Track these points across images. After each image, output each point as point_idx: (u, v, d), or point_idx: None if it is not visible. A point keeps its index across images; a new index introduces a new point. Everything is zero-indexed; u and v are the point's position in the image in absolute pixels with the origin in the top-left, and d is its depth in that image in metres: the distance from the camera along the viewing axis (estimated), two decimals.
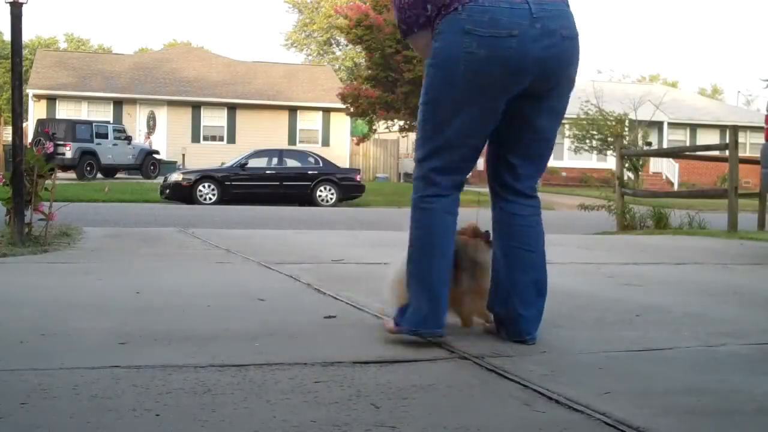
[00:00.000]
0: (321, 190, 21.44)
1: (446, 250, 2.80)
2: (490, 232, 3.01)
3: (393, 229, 9.12)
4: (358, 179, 22.65)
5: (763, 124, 8.89)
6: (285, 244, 6.65)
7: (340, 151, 34.75)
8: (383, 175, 37.29)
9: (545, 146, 2.94)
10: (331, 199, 21.43)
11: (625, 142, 27.43)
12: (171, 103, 34.23)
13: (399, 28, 2.84)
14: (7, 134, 29.14)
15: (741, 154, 12.15)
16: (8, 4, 5.92)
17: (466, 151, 2.81)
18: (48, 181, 6.35)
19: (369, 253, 5.79)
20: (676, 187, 33.27)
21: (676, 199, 14.73)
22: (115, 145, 28.34)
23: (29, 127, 29.12)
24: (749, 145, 35.22)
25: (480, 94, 2.69)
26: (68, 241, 6.28)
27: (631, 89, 38.04)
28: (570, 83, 2.84)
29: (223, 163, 23.37)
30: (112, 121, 31.23)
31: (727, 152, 10.17)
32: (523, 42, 2.64)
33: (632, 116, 31.72)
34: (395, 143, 38.37)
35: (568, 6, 2.78)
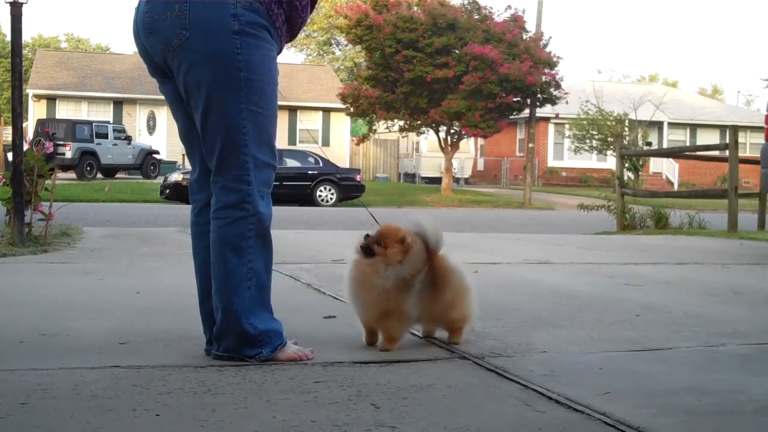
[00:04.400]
0: (321, 190, 21.45)
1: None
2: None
3: None
4: (358, 179, 22.66)
5: (763, 124, 8.89)
6: (285, 244, 6.64)
7: (340, 151, 34.77)
8: (383, 175, 37.29)
9: (200, 125, 2.59)
10: (331, 199, 21.43)
11: (625, 142, 27.46)
12: None
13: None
14: (7, 134, 29.14)
15: (741, 154, 12.15)
16: (8, 4, 5.92)
17: None
18: (48, 181, 6.35)
19: None
20: (676, 187, 33.24)
21: (676, 199, 14.73)
22: (115, 145, 28.34)
23: (29, 127, 29.12)
24: (749, 145, 35.21)
25: None
26: (68, 241, 6.28)
27: (631, 89, 38.03)
28: (174, 52, 2.50)
29: None
30: (112, 121, 31.23)
31: (727, 152, 10.18)
32: (134, 12, 2.64)
33: (632, 116, 31.72)
34: (395, 143, 38.37)
35: None
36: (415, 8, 25.90)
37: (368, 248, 2.66)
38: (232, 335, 2.51)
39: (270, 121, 2.57)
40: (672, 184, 34.17)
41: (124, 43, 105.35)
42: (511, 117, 27.74)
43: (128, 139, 29.19)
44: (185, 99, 2.57)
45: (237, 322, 2.50)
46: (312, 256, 5.76)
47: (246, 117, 2.50)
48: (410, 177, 36.86)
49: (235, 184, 2.51)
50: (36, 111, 32.85)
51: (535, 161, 31.04)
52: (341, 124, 36.17)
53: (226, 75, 2.46)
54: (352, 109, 26.79)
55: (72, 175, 26.89)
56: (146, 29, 2.53)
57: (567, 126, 33.40)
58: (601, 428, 1.98)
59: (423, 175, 35.00)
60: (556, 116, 30.27)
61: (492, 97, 24.11)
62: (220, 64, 2.46)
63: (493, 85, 23.80)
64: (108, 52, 56.91)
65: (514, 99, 25.13)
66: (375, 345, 2.77)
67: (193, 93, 2.51)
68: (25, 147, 6.41)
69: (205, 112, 2.50)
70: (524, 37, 25.70)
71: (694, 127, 38.21)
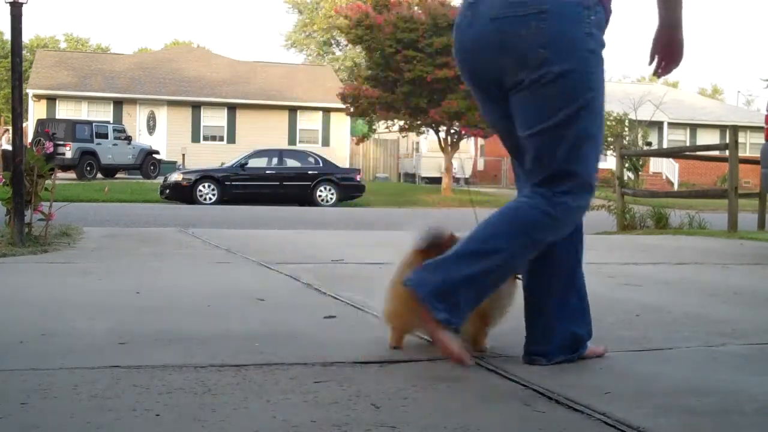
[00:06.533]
0: (321, 190, 21.45)
1: None
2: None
3: (393, 229, 9.11)
4: (358, 179, 22.66)
5: (763, 124, 8.89)
6: (285, 244, 6.65)
7: (340, 151, 34.77)
8: (383, 175, 37.30)
9: (532, 142, 2.48)
10: (331, 199, 21.43)
11: (625, 142, 27.45)
12: (171, 103, 34.20)
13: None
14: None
15: (741, 154, 12.15)
16: (8, 4, 5.92)
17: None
18: (48, 181, 6.35)
19: (369, 253, 5.79)
20: (676, 187, 33.26)
21: (676, 199, 14.73)
22: (115, 145, 28.35)
23: (29, 127, 29.13)
24: (749, 145, 35.23)
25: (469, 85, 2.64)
26: (68, 241, 6.28)
27: (631, 89, 38.03)
28: (526, 70, 2.39)
29: (223, 163, 23.39)
30: (112, 121, 31.24)
31: (727, 152, 10.18)
32: (459, 29, 2.54)
33: (632, 116, 31.73)
34: (395, 143, 38.37)
35: None
36: (416, 8, 25.91)
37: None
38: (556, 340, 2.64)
39: (601, 141, 2.49)
40: (672, 184, 34.18)
41: (124, 43, 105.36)
42: None
43: (128, 139, 29.21)
44: (515, 112, 2.48)
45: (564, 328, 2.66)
46: (312, 255, 5.76)
47: (581, 136, 2.41)
48: (410, 177, 36.86)
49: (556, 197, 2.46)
50: (36, 111, 32.86)
51: None
52: (341, 124, 36.16)
53: (574, 94, 2.37)
54: (352, 109, 26.79)
55: (72, 175, 26.90)
56: (496, 46, 2.41)
57: None
58: (601, 428, 1.98)
59: (423, 175, 35.00)
60: None
61: None
62: (571, 83, 2.36)
63: None
64: (108, 52, 56.92)
65: None
66: (399, 349, 2.72)
67: (533, 110, 2.41)
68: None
69: (543, 131, 2.41)
70: None
71: (694, 127, 38.22)
